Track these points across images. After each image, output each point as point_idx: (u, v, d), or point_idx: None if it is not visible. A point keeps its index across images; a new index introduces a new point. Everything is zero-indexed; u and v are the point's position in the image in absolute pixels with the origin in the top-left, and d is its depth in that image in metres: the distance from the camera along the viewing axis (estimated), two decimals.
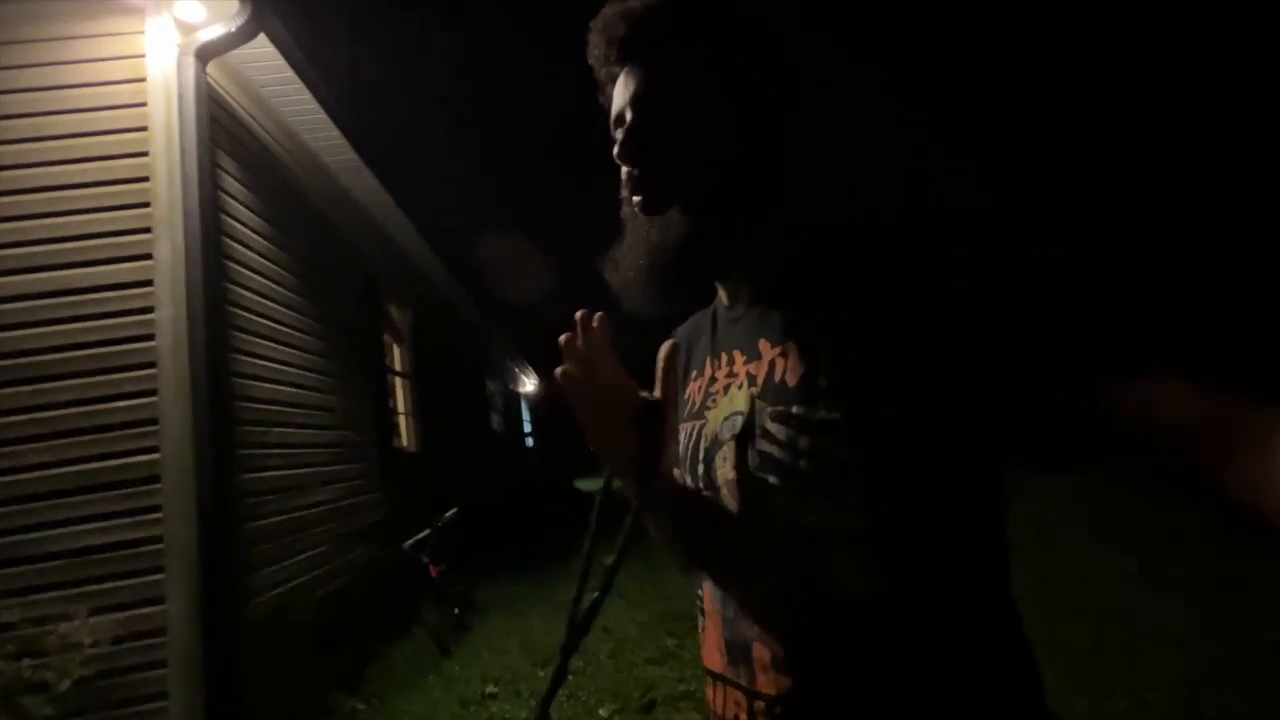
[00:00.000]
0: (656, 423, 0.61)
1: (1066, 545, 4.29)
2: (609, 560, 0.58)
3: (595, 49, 0.61)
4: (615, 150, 0.60)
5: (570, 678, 3.27)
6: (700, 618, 0.64)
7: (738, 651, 0.58)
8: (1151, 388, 0.44)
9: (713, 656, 0.61)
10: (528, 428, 15.07)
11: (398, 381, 5.51)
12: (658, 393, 0.63)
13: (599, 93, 0.65)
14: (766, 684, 0.55)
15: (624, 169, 0.61)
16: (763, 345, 0.59)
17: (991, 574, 0.54)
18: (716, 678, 0.60)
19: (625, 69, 0.60)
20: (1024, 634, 0.54)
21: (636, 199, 0.60)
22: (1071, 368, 0.46)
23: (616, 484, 0.62)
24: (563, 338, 0.60)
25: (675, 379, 0.64)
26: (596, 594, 0.57)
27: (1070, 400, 0.46)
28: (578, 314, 0.59)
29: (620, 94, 0.60)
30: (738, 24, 0.58)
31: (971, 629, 0.51)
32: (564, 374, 0.60)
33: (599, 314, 0.60)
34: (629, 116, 0.59)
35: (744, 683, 0.57)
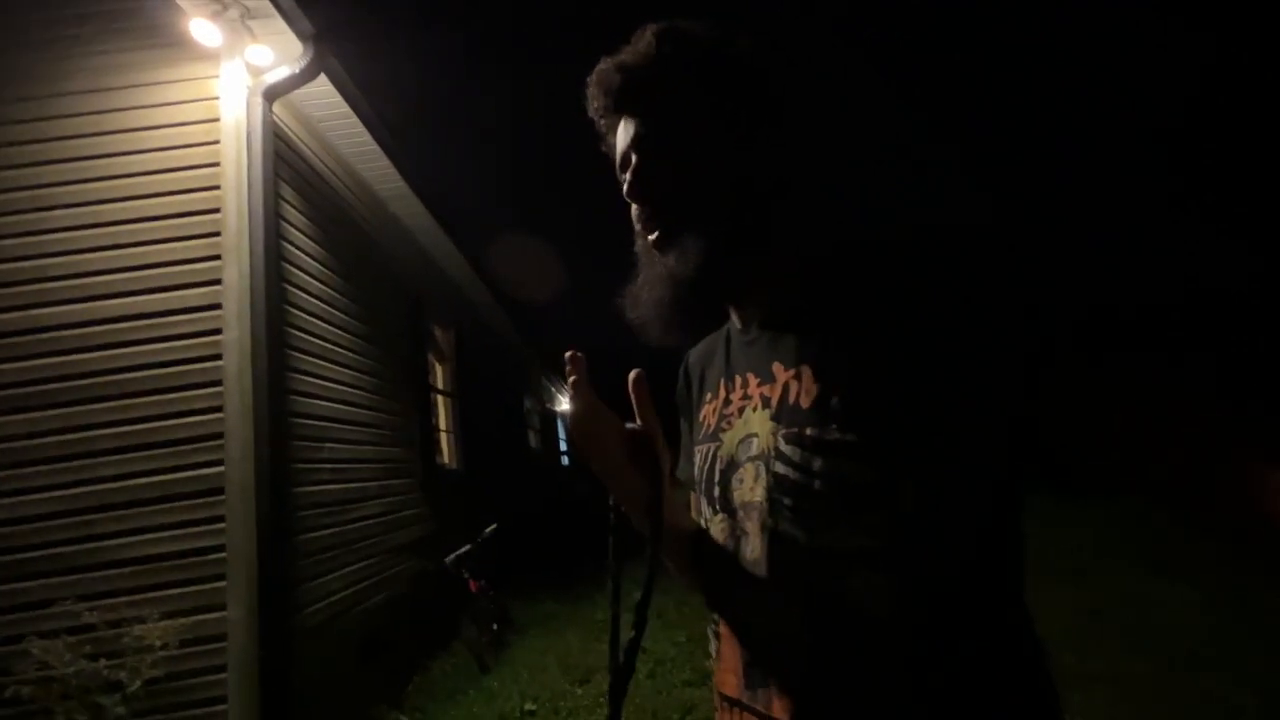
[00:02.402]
0: (650, 453, 0.62)
1: (1127, 574, 4.07)
2: (637, 596, 0.58)
3: (594, 101, 0.64)
4: (625, 190, 0.63)
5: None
6: (715, 641, 0.64)
7: (756, 676, 0.57)
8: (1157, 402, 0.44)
9: (728, 681, 0.60)
10: (563, 445, 15.18)
11: (440, 400, 5.66)
12: (639, 422, 0.64)
13: (601, 143, 0.68)
14: (782, 710, 0.54)
15: (634, 207, 0.64)
16: (776, 368, 0.60)
17: (1008, 593, 0.53)
18: (732, 703, 0.60)
19: (624, 116, 0.63)
20: (1043, 661, 0.54)
21: (649, 235, 0.63)
22: (1081, 386, 0.47)
23: (615, 518, 0.64)
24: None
25: (650, 405, 0.64)
26: (633, 633, 0.58)
27: (1080, 418, 0.47)
28: (567, 355, 0.62)
29: (622, 139, 0.63)
30: (726, 60, 0.61)
31: (988, 649, 0.51)
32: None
33: (569, 353, 0.62)
34: (633, 158, 0.61)
35: (760, 708, 0.56)
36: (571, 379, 0.63)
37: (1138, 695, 2.54)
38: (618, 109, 0.63)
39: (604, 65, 0.62)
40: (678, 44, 0.61)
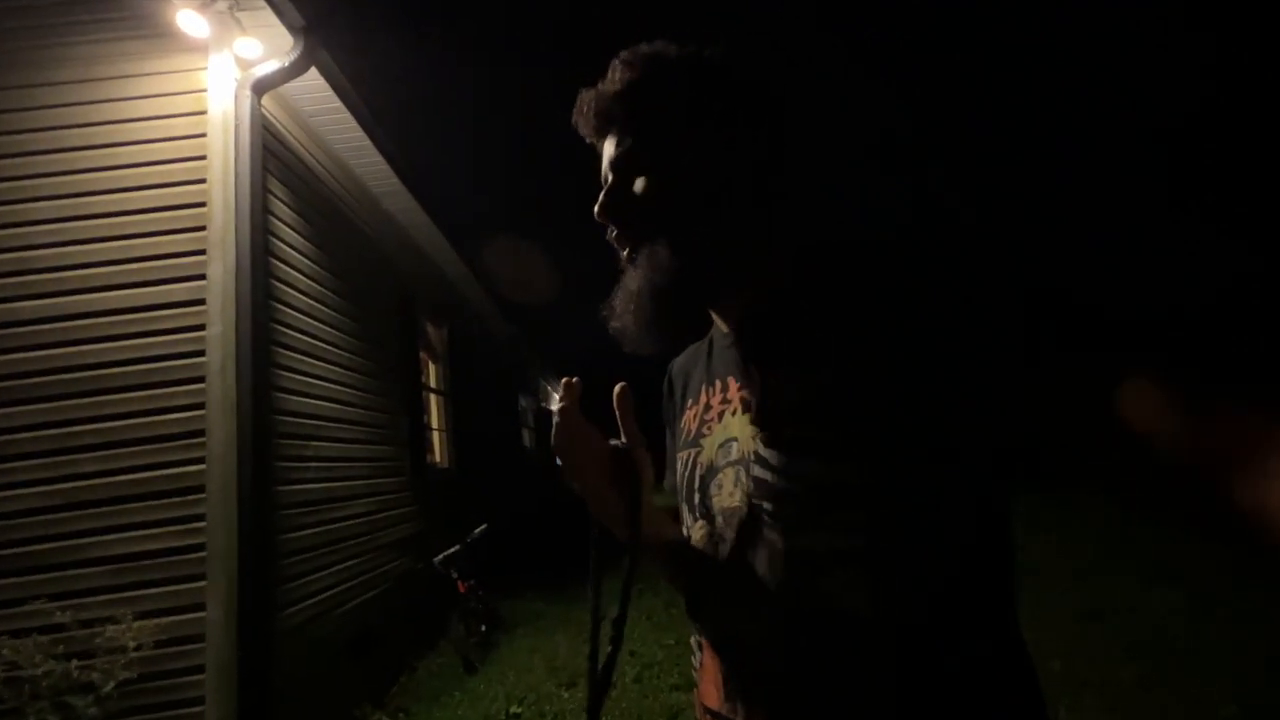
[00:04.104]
0: (631, 469, 0.63)
1: (1118, 577, 4.07)
2: (615, 613, 0.59)
3: (581, 128, 0.67)
4: (595, 209, 0.64)
5: None
6: (697, 652, 0.64)
7: (736, 686, 0.57)
8: (1154, 403, 0.42)
9: (710, 693, 0.60)
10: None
11: (432, 398, 5.63)
12: (623, 438, 0.65)
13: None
14: (762, 719, 0.54)
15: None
16: (756, 371, 0.61)
17: (997, 597, 0.53)
18: (714, 715, 0.59)
19: (605, 140, 0.65)
20: (1029, 661, 0.53)
21: (622, 250, 0.65)
22: (1066, 384, 0.45)
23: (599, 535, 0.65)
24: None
25: (633, 419, 0.66)
26: (610, 649, 0.58)
27: (1067, 416, 0.45)
28: (564, 381, 0.65)
29: (603, 161, 0.66)
30: (692, 74, 0.61)
31: (975, 652, 0.50)
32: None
33: (564, 380, 0.65)
34: (610, 178, 0.64)
35: (740, 719, 0.56)
36: (561, 405, 0.64)
37: (1125, 702, 2.53)
38: (599, 134, 0.66)
39: (582, 95, 0.65)
40: (644, 66, 0.63)
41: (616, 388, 0.65)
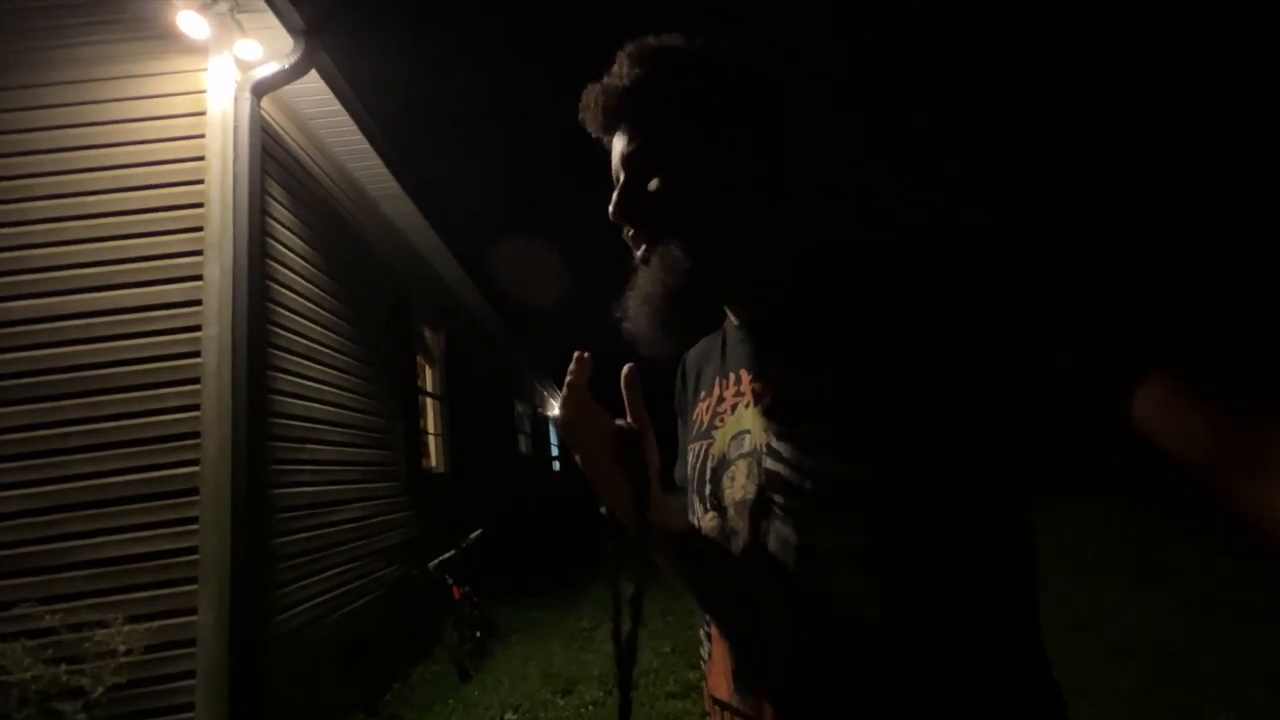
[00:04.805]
0: (637, 451, 0.64)
1: (1110, 584, 4.07)
2: (630, 592, 0.60)
3: (589, 124, 0.65)
4: (610, 210, 0.63)
5: (591, 708, 3.23)
6: (706, 644, 0.63)
7: (746, 679, 0.57)
8: (1171, 396, 0.41)
9: (719, 684, 0.60)
10: (554, 451, 15.11)
11: (428, 402, 5.61)
12: (629, 419, 0.65)
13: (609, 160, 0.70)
14: (770, 713, 0.54)
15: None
16: (771, 364, 0.61)
17: (1012, 604, 0.52)
18: (724, 707, 0.59)
19: (614, 136, 0.64)
20: (1050, 673, 0.52)
21: (636, 249, 0.64)
22: (1081, 380, 0.45)
23: (608, 515, 0.65)
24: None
25: (641, 402, 0.66)
26: (630, 625, 0.59)
27: (1081, 414, 0.44)
28: (575, 355, 0.64)
29: (614, 158, 0.64)
30: (702, 68, 0.61)
31: (986, 658, 0.49)
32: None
33: (576, 354, 0.64)
34: (621, 176, 0.63)
35: (749, 712, 0.56)
36: (569, 379, 0.63)
37: (1118, 709, 2.52)
38: (607, 130, 0.64)
39: (589, 90, 0.63)
40: (653, 59, 0.62)
41: (624, 369, 0.64)
